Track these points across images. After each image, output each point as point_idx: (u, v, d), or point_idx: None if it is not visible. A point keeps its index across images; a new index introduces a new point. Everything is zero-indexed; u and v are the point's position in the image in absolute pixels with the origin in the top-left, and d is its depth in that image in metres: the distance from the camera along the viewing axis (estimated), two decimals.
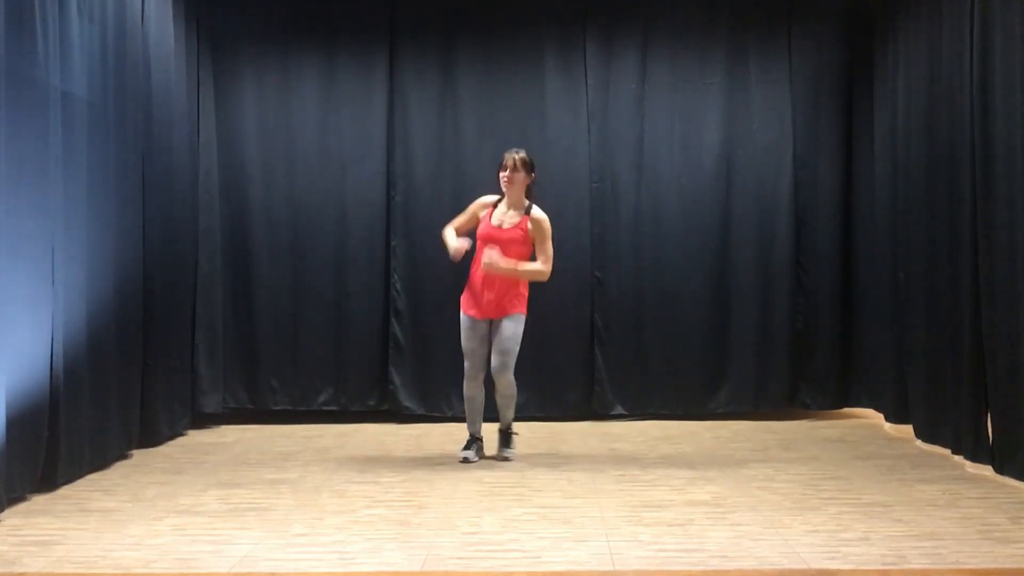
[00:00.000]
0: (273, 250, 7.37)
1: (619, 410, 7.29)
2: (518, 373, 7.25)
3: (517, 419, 7.16)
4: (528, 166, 5.69)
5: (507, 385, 5.67)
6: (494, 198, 5.78)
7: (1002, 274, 5.11)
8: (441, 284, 7.35)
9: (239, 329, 7.34)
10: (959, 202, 5.61)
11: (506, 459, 5.70)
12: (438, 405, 7.31)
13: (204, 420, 7.04)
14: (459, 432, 6.78)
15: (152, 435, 6.16)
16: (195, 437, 6.65)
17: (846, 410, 7.49)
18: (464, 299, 5.72)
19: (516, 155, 5.68)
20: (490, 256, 5.49)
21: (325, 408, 7.31)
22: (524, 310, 5.69)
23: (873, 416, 7.23)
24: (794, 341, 7.37)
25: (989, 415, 5.31)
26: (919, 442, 6.15)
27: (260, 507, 4.57)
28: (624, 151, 7.40)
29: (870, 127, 7.14)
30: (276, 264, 7.37)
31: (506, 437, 5.81)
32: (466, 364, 5.72)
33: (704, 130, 7.42)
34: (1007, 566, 3.63)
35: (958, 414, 5.60)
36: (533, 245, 5.65)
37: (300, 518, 4.36)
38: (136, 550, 3.87)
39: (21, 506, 4.59)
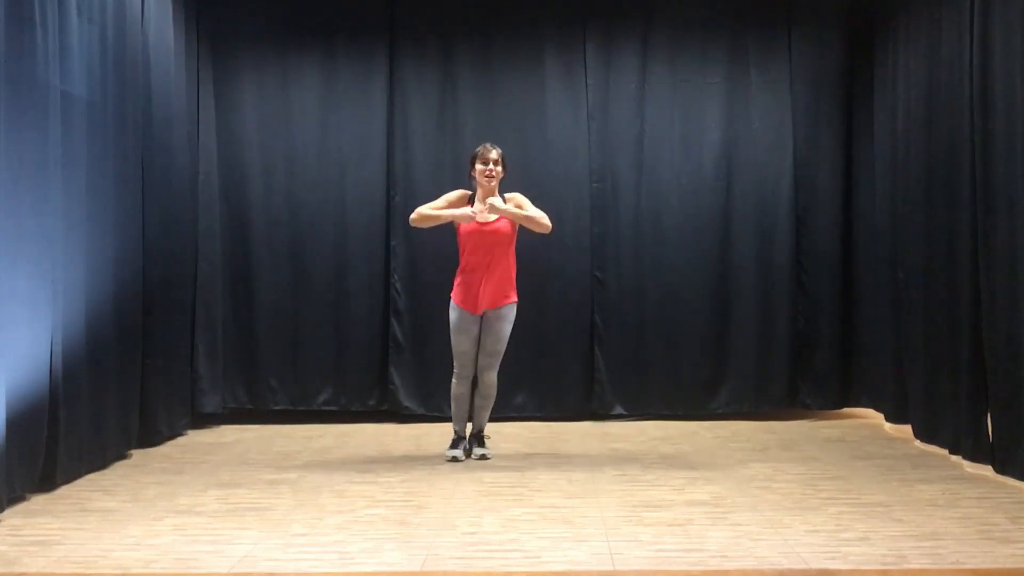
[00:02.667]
0: (273, 250, 7.37)
1: (619, 410, 7.29)
2: (519, 371, 7.30)
3: (518, 419, 7.21)
4: (505, 161, 5.75)
5: (491, 385, 5.72)
6: (464, 193, 5.77)
7: (1002, 274, 5.11)
8: (441, 284, 7.32)
9: (239, 329, 7.34)
10: (959, 202, 5.61)
11: (485, 457, 5.71)
12: (438, 405, 7.30)
13: (204, 420, 7.04)
14: None
15: (152, 435, 6.16)
16: (195, 437, 6.65)
17: (846, 410, 7.49)
18: (457, 294, 5.71)
19: (496, 150, 5.70)
20: (492, 203, 5.54)
21: (325, 408, 7.31)
22: (516, 297, 5.73)
23: (873, 416, 7.23)
24: (794, 341, 7.37)
25: (989, 415, 5.31)
26: (918, 442, 6.15)
27: (260, 507, 4.57)
28: (624, 151, 7.41)
29: (870, 127, 7.14)
30: (276, 264, 7.37)
31: (481, 439, 5.83)
32: (457, 364, 5.72)
33: (704, 130, 7.42)
34: (1007, 566, 3.63)
35: (957, 414, 5.60)
36: (515, 234, 5.69)
37: (300, 518, 4.36)
38: (136, 550, 3.87)
39: (21, 506, 4.59)
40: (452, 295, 5.73)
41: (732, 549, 3.83)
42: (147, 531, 4.15)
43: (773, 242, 7.38)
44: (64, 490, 4.92)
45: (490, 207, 5.58)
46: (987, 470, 5.23)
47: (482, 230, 5.63)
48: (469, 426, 5.85)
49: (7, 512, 4.44)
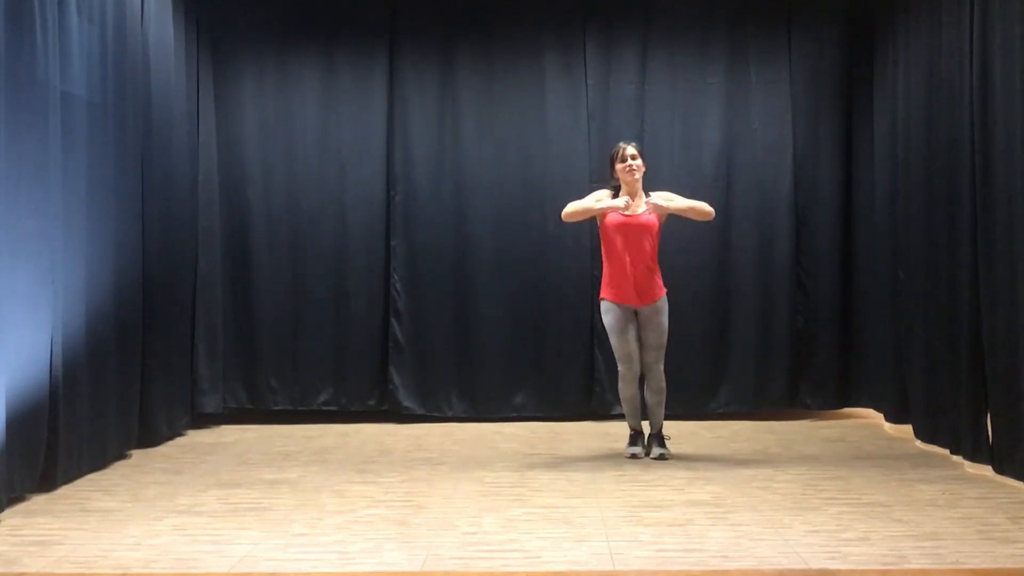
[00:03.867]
0: (273, 250, 7.37)
1: (619, 410, 7.26)
2: (519, 371, 7.31)
3: (518, 419, 7.21)
4: (643, 154, 5.81)
5: (659, 378, 5.72)
6: (607, 192, 5.79)
7: (1002, 274, 5.11)
8: (441, 284, 7.37)
9: (239, 329, 7.34)
10: (959, 202, 5.61)
11: (664, 458, 5.69)
12: (438, 405, 7.31)
13: (204, 420, 7.03)
14: (459, 432, 6.81)
15: (152, 435, 6.16)
16: (195, 437, 6.65)
17: (846, 410, 7.49)
18: (610, 293, 5.70)
19: (633, 145, 5.78)
20: (655, 202, 5.62)
21: (325, 408, 7.31)
22: (665, 289, 5.77)
23: (873, 416, 7.23)
24: (794, 341, 7.37)
25: (988, 415, 5.31)
26: (918, 442, 6.15)
27: (260, 507, 4.57)
28: None
29: (870, 127, 7.14)
30: (276, 264, 7.36)
31: (661, 439, 5.80)
32: (622, 367, 5.70)
33: (704, 130, 7.42)
34: (1007, 566, 3.63)
35: (957, 414, 5.60)
36: (660, 228, 5.74)
37: (300, 518, 4.36)
38: (136, 550, 3.87)
39: (21, 506, 4.59)
40: (603, 295, 5.73)
41: (732, 549, 3.83)
42: (147, 531, 4.15)
43: (773, 242, 7.38)
44: (64, 490, 4.92)
45: (654, 206, 5.63)
46: (987, 470, 5.23)
47: (630, 223, 5.66)
48: (646, 424, 5.87)
49: (7, 512, 4.44)
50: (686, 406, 7.25)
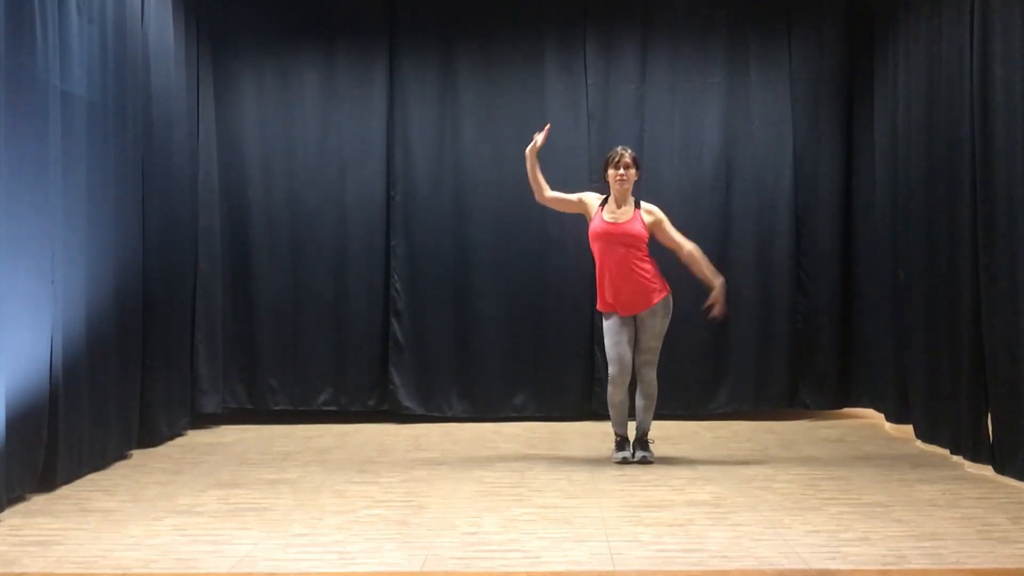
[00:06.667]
0: (273, 250, 7.37)
1: None
2: (519, 371, 7.30)
3: (518, 419, 7.21)
4: (638, 163, 5.71)
5: (651, 383, 5.62)
6: (599, 197, 5.72)
7: (1002, 273, 5.11)
8: (441, 284, 7.37)
9: (239, 329, 7.34)
10: (959, 202, 5.61)
11: (648, 462, 5.58)
12: (438, 405, 7.31)
13: (204, 420, 7.03)
14: (459, 432, 6.81)
15: (152, 435, 6.16)
16: (195, 437, 6.65)
17: (846, 410, 7.49)
18: (600, 300, 5.65)
19: (628, 152, 5.67)
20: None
21: (325, 408, 7.31)
22: (668, 289, 5.65)
23: (873, 416, 7.23)
24: (794, 341, 7.37)
25: (989, 415, 5.31)
26: (919, 442, 6.15)
27: (260, 507, 4.57)
28: None
29: (870, 127, 7.14)
30: (276, 264, 7.36)
31: (645, 444, 5.69)
32: (612, 369, 5.60)
33: (704, 130, 7.42)
34: (1007, 566, 3.63)
35: (958, 414, 5.60)
36: (650, 238, 5.62)
37: (300, 518, 4.36)
38: (136, 550, 3.87)
39: (21, 506, 4.59)
40: (600, 301, 5.66)
41: (732, 549, 3.83)
42: (147, 531, 4.15)
43: (773, 242, 7.38)
44: (64, 490, 4.91)
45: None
46: (987, 470, 5.23)
47: (612, 231, 5.56)
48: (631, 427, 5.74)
49: (7, 512, 4.44)
50: (686, 406, 7.25)
